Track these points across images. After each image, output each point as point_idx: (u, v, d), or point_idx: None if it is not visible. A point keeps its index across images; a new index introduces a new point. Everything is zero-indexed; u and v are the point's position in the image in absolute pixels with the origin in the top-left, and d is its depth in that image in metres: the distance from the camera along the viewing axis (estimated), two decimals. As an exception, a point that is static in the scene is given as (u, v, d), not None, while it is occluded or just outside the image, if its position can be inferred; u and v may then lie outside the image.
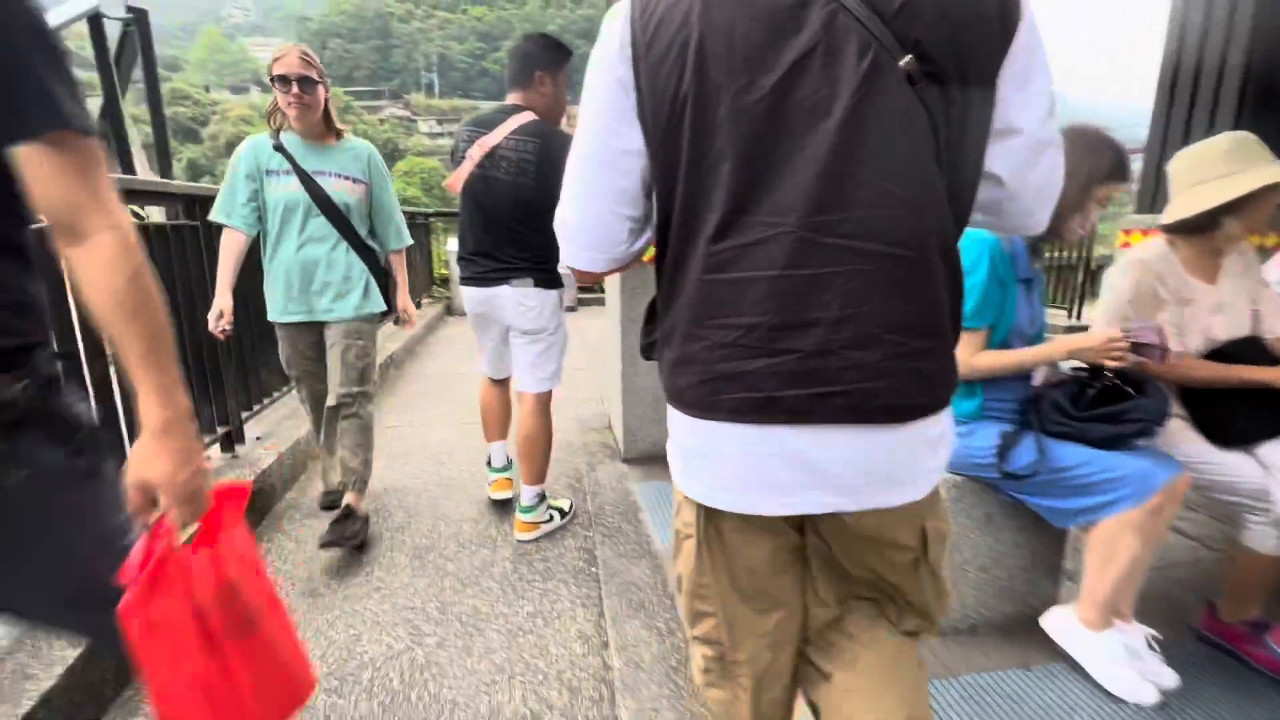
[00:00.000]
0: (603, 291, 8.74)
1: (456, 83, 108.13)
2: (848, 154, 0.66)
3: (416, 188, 62.68)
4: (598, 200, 0.80)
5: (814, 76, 0.65)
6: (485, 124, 2.11)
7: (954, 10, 0.66)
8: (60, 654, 1.44)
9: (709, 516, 0.83)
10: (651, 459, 2.94)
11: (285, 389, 3.24)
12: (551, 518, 2.39)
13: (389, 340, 5.08)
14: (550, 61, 2.10)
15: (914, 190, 0.68)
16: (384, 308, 2.33)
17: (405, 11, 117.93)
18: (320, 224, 2.15)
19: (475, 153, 2.06)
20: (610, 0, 0.75)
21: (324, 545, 2.07)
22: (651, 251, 0.90)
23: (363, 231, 2.24)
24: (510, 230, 2.10)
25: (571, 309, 7.75)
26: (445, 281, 7.79)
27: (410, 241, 2.49)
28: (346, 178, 2.18)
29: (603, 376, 4.45)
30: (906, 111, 0.66)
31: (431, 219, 8.24)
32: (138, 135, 5.16)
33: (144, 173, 5.06)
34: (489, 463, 2.70)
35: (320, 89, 2.08)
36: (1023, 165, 0.75)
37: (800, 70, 0.65)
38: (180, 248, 2.41)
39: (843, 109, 0.65)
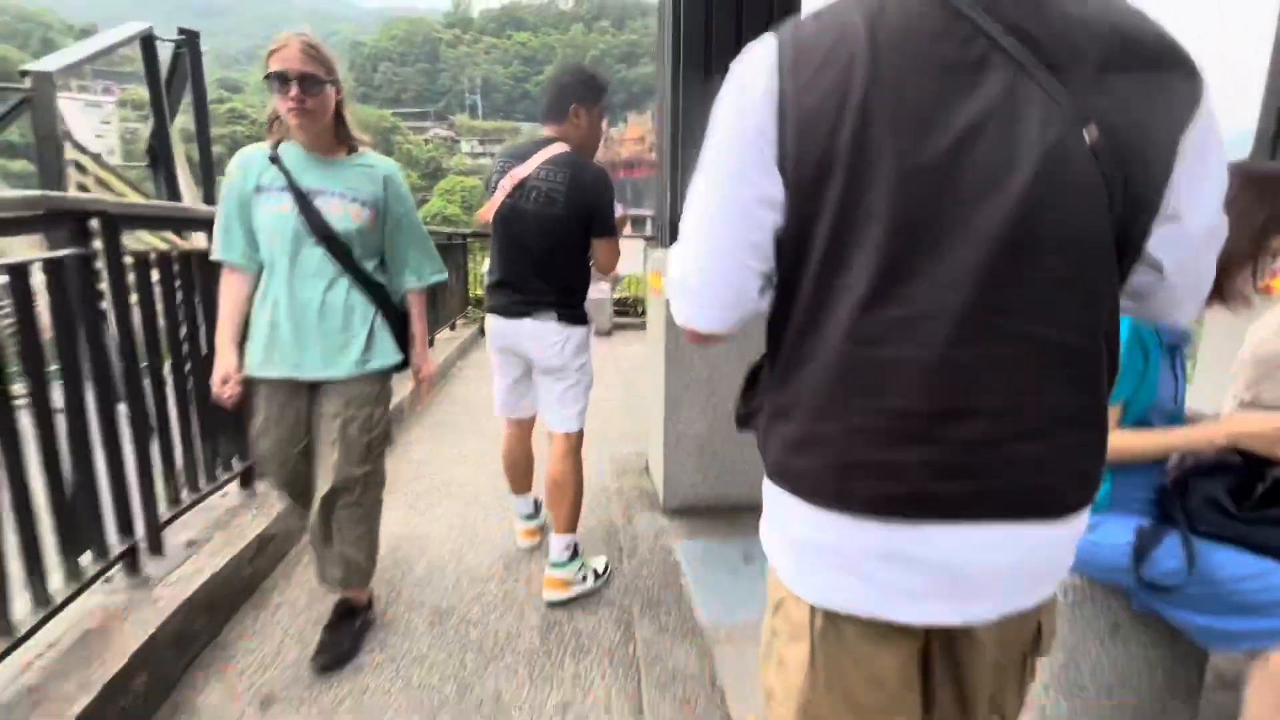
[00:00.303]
0: (640, 315, 8.59)
1: (499, 104, 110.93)
2: (1024, 230, 0.60)
3: (456, 205, 64.30)
4: (729, 254, 0.72)
5: (989, 143, 0.61)
6: (517, 155, 2.08)
7: (1142, 83, 0.61)
8: None
9: (829, 618, 0.74)
10: (693, 512, 2.70)
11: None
12: (585, 578, 2.19)
13: (421, 365, 4.97)
14: (585, 96, 2.07)
15: (1092, 275, 0.64)
16: (396, 359, 1.85)
17: (453, 36, 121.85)
18: (316, 256, 1.70)
19: (506, 183, 2.03)
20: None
21: (321, 669, 1.76)
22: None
23: (370, 265, 1.80)
24: (537, 262, 2.06)
25: (606, 333, 7.59)
26: (480, 303, 7.73)
27: (440, 278, 1.97)
28: (353, 199, 1.73)
29: (640, 411, 4.23)
30: (1087, 188, 0.61)
31: (470, 239, 8.21)
32: (187, 154, 5.21)
33: (189, 194, 5.10)
34: (517, 510, 2.52)
35: (329, 91, 1.64)
36: (1187, 254, 0.68)
37: (975, 135, 0.60)
38: (209, 274, 2.30)
39: (1021, 182, 0.60)
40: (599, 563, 2.28)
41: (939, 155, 0.61)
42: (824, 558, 0.72)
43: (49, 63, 3.49)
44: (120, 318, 1.89)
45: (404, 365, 1.94)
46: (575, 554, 2.17)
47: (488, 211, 2.09)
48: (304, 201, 1.68)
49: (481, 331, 7.78)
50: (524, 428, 2.40)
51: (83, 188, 4.21)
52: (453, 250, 6.94)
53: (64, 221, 1.65)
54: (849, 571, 0.70)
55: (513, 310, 2.09)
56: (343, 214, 1.71)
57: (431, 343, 5.75)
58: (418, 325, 1.95)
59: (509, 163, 2.07)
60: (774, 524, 0.77)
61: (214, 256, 1.77)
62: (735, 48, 2.46)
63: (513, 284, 2.09)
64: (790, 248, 0.69)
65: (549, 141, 2.05)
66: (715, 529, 2.57)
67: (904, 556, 0.67)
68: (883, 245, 0.63)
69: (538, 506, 2.55)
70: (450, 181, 69.44)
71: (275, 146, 1.72)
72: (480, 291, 7.83)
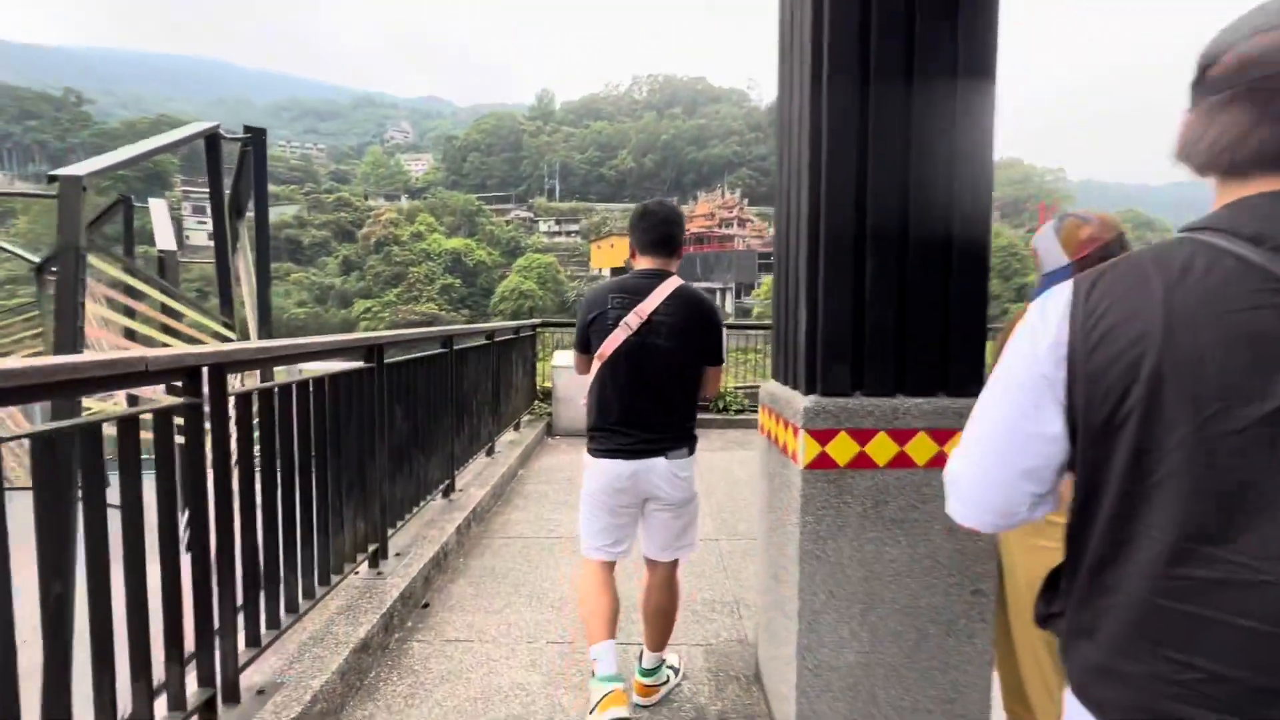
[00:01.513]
0: (721, 411, 7.73)
1: (575, 187, 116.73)
2: None
3: (533, 281, 66.77)
4: (1002, 472, 0.80)
5: None
6: (634, 290, 2.07)
7: None
8: None
9: None
10: (844, 789, 1.76)
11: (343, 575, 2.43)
12: (668, 679, 2.29)
13: (474, 484, 4.30)
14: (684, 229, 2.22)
15: None
16: None
17: (535, 128, 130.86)
18: None
19: (633, 320, 2.03)
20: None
21: None
22: None
23: None
24: (664, 397, 2.06)
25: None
26: (548, 395, 7.15)
27: None
28: None
29: (737, 561, 3.30)
30: None
31: (540, 329, 7.76)
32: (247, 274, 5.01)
33: (250, 306, 4.86)
34: (593, 671, 1.95)
35: None
36: None
37: None
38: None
39: None
40: (673, 659, 2.37)
41: (1253, 424, 0.61)
42: None
43: (81, 167, 3.32)
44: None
45: None
46: (663, 661, 2.28)
47: (609, 348, 2.03)
48: None
49: (550, 430, 7.13)
50: (611, 569, 2.17)
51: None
52: (519, 344, 6.44)
53: None
54: None
55: (641, 450, 2.03)
56: None
57: (491, 450, 5.13)
58: None
59: (627, 298, 2.05)
60: None
61: None
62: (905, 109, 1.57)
63: (638, 423, 2.04)
64: (1082, 482, 0.74)
65: (661, 275, 2.08)
66: (884, 835, 1.63)
67: None
68: (1186, 507, 0.64)
69: (619, 668, 2.01)
70: (528, 259, 72.31)
71: None
72: (549, 384, 7.27)
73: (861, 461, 1.73)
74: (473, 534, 3.80)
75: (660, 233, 2.10)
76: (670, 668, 2.31)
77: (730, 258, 67.05)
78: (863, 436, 1.73)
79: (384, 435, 2.97)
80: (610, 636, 2.02)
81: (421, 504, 3.54)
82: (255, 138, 4.79)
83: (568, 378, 6.69)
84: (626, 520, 2.11)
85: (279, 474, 2.13)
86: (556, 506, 4.37)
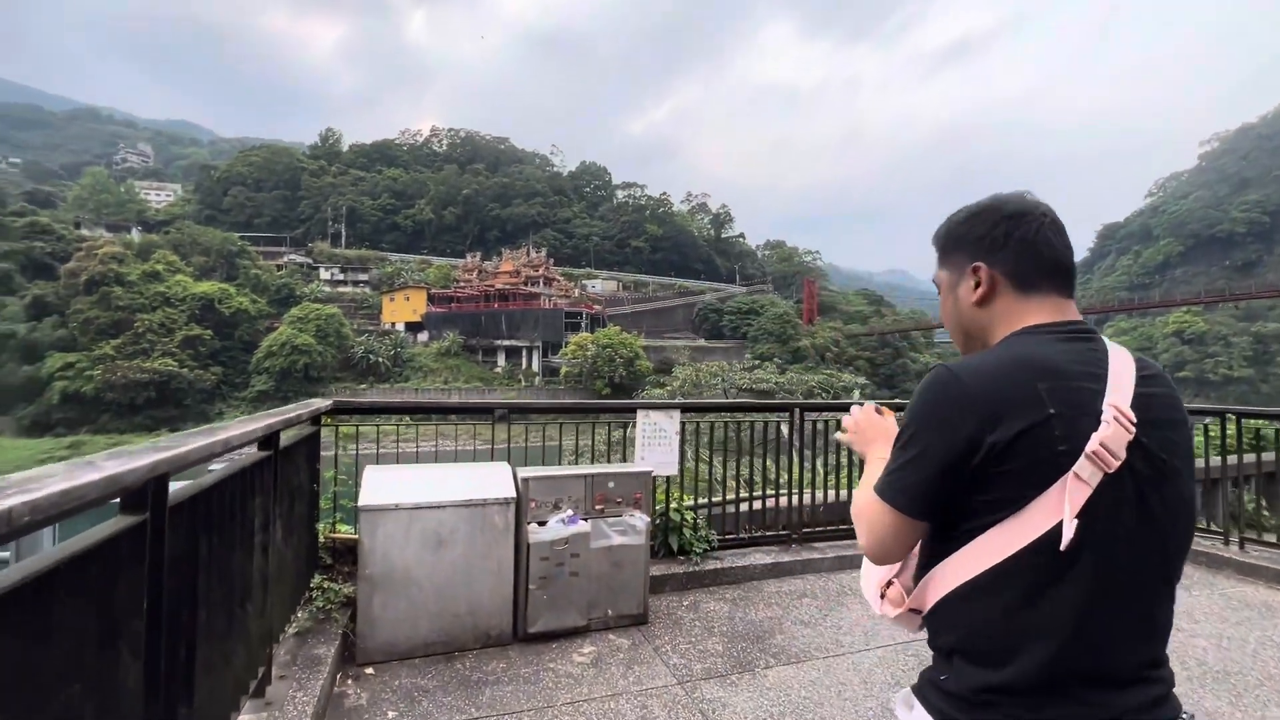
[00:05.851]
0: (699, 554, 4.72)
1: (365, 234, 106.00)
2: None
3: (310, 334, 57.39)
4: None
5: None
6: (1072, 370, 0.96)
7: None
8: None
9: None
10: None
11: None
12: None
13: None
14: None
15: None
16: None
17: (318, 167, 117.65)
18: None
19: (1116, 440, 0.90)
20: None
21: None
22: None
23: None
24: (1160, 609, 0.99)
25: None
26: (344, 555, 3.72)
27: None
28: None
29: None
30: None
31: (331, 420, 4.15)
32: None
33: None
34: None
35: None
36: None
37: None
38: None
39: None
40: None
41: None
42: None
43: None
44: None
45: None
46: None
47: (1068, 521, 0.88)
48: None
49: (351, 654, 2.92)
50: None
51: None
52: (287, 460, 3.02)
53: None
54: None
55: None
56: None
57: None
58: None
59: (1070, 387, 0.94)
60: None
61: None
62: None
63: (1110, 673, 0.93)
64: None
65: (1090, 332, 1.05)
66: None
67: None
68: None
69: None
70: (304, 309, 62.15)
71: None
72: (344, 529, 3.87)
73: None
74: None
75: (1060, 249, 1.10)
76: None
77: (537, 315, 65.01)
78: None
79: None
80: None
81: None
82: None
83: (392, 527, 3.40)
84: None
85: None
86: None
